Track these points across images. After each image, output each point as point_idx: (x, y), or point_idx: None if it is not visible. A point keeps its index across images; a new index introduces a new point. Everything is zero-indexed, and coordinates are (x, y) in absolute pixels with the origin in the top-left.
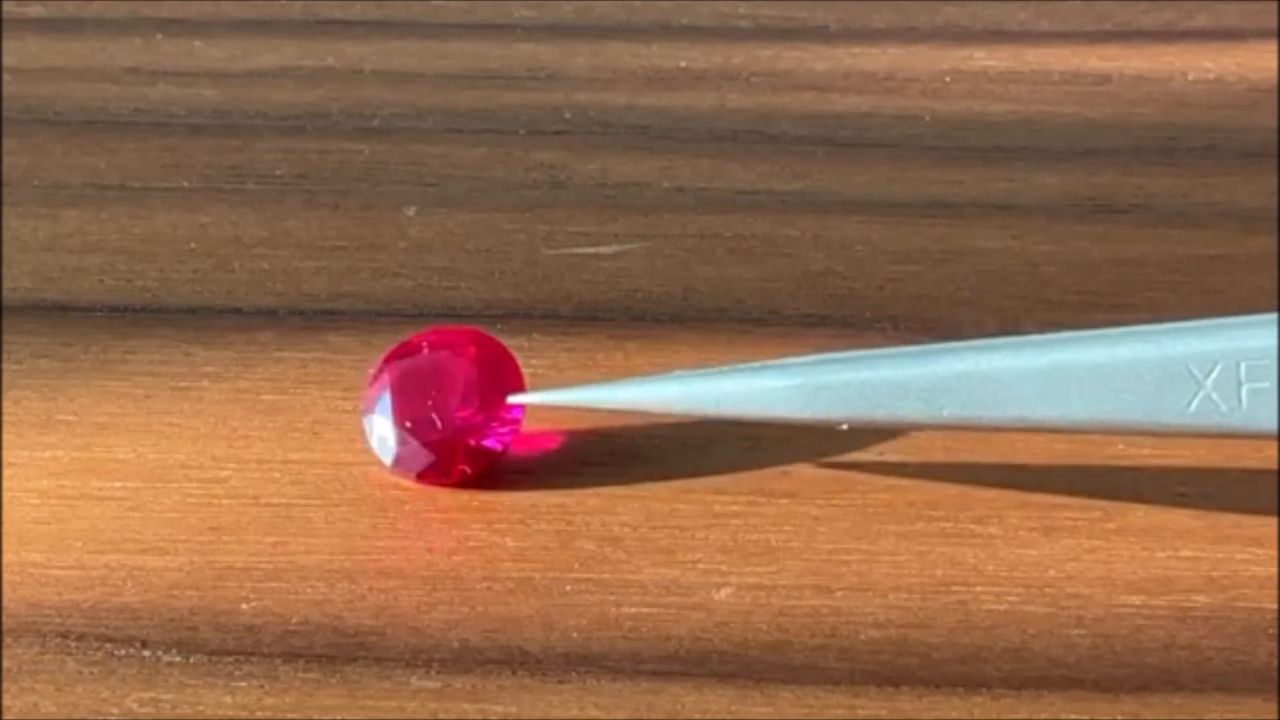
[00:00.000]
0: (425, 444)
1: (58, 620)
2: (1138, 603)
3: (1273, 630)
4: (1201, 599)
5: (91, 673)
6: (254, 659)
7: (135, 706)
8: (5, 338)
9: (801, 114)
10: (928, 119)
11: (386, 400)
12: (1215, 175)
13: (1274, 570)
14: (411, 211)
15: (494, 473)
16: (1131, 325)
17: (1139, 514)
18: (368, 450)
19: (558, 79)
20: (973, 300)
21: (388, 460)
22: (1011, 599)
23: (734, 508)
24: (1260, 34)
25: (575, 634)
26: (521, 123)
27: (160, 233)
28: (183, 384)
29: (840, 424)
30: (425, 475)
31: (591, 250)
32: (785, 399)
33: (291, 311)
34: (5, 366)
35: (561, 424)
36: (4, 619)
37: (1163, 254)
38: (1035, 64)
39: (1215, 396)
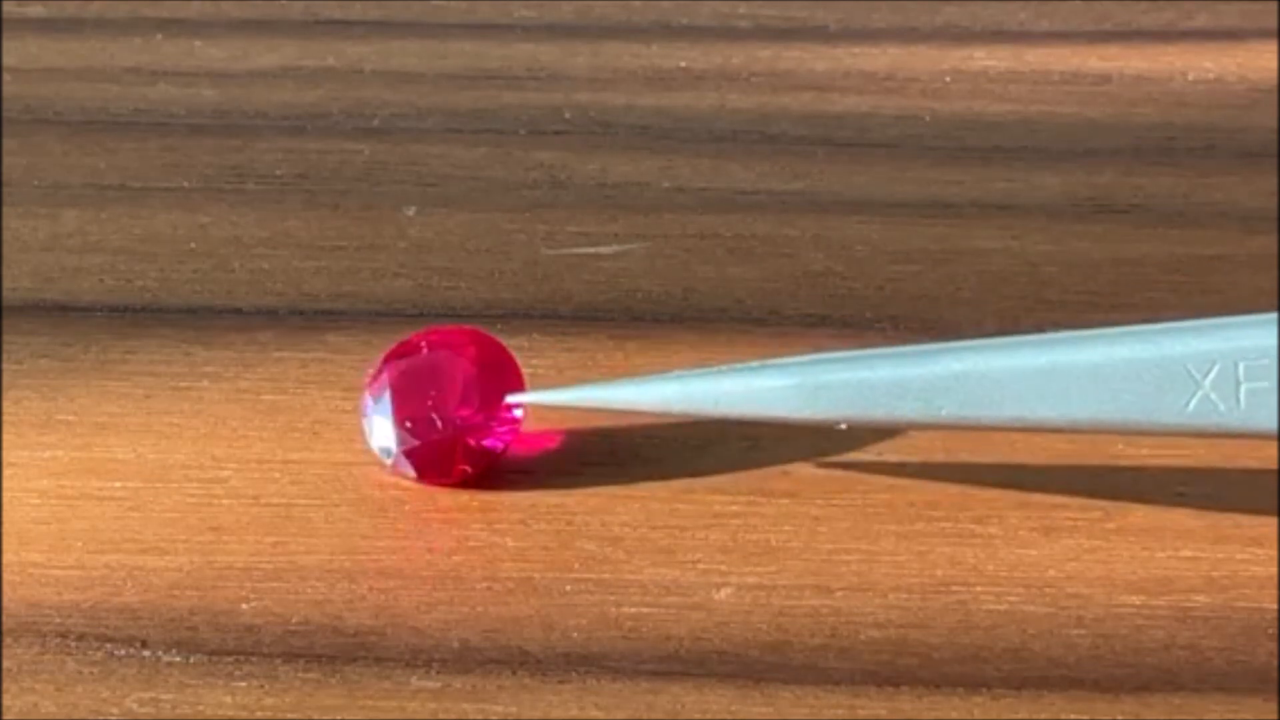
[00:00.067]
0: (425, 444)
1: (58, 620)
2: (1138, 603)
3: (1273, 630)
4: (1201, 599)
5: (91, 673)
6: (254, 659)
7: (135, 706)
8: (5, 338)
9: (801, 114)
10: (928, 119)
11: (386, 400)
12: (1215, 175)
13: (1274, 570)
14: (411, 211)
15: (494, 473)
16: (1130, 325)
17: (1139, 514)
18: (368, 450)
19: (558, 79)
20: (972, 300)
21: (388, 460)
22: (1011, 599)
23: (734, 508)
24: (1260, 34)
25: (575, 634)
26: (521, 123)
27: (160, 233)
28: (183, 384)
29: (839, 424)
30: (425, 475)
31: (591, 250)
32: (784, 399)
33: (291, 311)
34: (5, 366)
35: (561, 424)
36: (4, 619)
37: (1162, 254)
38: (1035, 64)
39: (1214, 396)
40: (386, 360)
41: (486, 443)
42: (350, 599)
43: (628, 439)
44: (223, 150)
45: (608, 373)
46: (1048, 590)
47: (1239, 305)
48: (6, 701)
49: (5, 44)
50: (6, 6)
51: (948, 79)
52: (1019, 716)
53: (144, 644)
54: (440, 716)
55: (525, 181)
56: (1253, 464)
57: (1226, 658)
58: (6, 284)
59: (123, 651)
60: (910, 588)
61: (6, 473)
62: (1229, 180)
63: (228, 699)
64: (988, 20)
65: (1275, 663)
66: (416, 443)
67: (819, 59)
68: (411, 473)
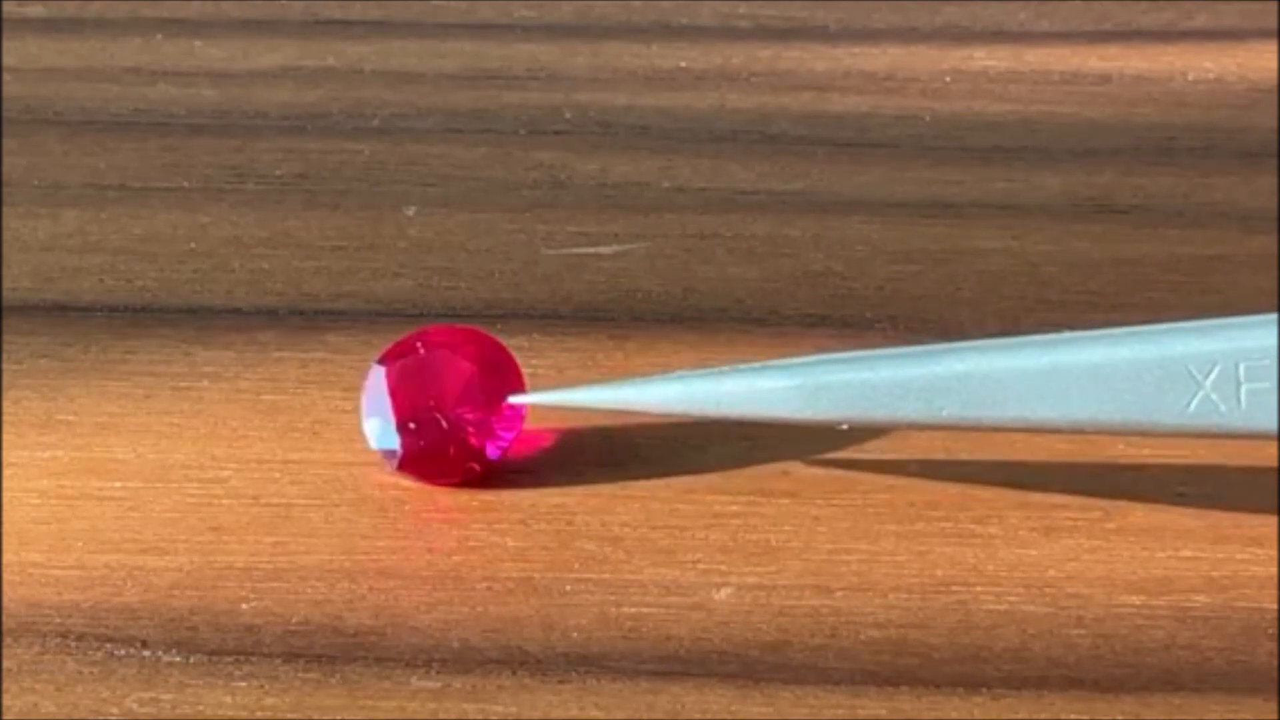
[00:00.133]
0: (425, 444)
1: (58, 620)
2: (1138, 603)
3: (1273, 630)
4: (1201, 599)
5: (91, 673)
6: (254, 659)
7: (135, 706)
8: (5, 338)
9: (801, 114)
10: (928, 119)
11: (386, 400)
12: (1215, 175)
13: (1274, 570)
14: (411, 211)
15: (494, 473)
16: (1131, 325)
17: (1139, 514)
18: (368, 450)
19: (558, 79)
20: (973, 300)
21: (388, 460)
22: (1011, 599)
23: (733, 508)
24: (1260, 34)
25: (575, 634)
26: (521, 123)
27: (160, 233)
28: (183, 384)
29: (840, 424)
30: (426, 475)
31: (591, 250)
32: (785, 399)
33: (291, 311)
34: (5, 366)
35: (561, 424)
36: (4, 619)
37: (1162, 254)
38: (1035, 64)
39: (1214, 397)
40: (386, 360)
41: (487, 442)
42: (350, 599)
43: (628, 439)
44: (223, 150)
45: (608, 373)
46: (1048, 590)
47: (1239, 305)
48: (6, 701)
49: (5, 44)
50: (6, 6)
51: (948, 79)
52: (1019, 716)
53: (144, 644)
54: (440, 716)
55: (525, 181)
56: (1253, 464)
57: (1226, 658)
58: (6, 284)
59: (123, 651)
60: (910, 588)
61: (6, 473)
62: (1229, 180)
63: (228, 699)
64: (988, 20)
65: (1275, 663)
66: (417, 443)
67: (819, 59)
68: (412, 473)
